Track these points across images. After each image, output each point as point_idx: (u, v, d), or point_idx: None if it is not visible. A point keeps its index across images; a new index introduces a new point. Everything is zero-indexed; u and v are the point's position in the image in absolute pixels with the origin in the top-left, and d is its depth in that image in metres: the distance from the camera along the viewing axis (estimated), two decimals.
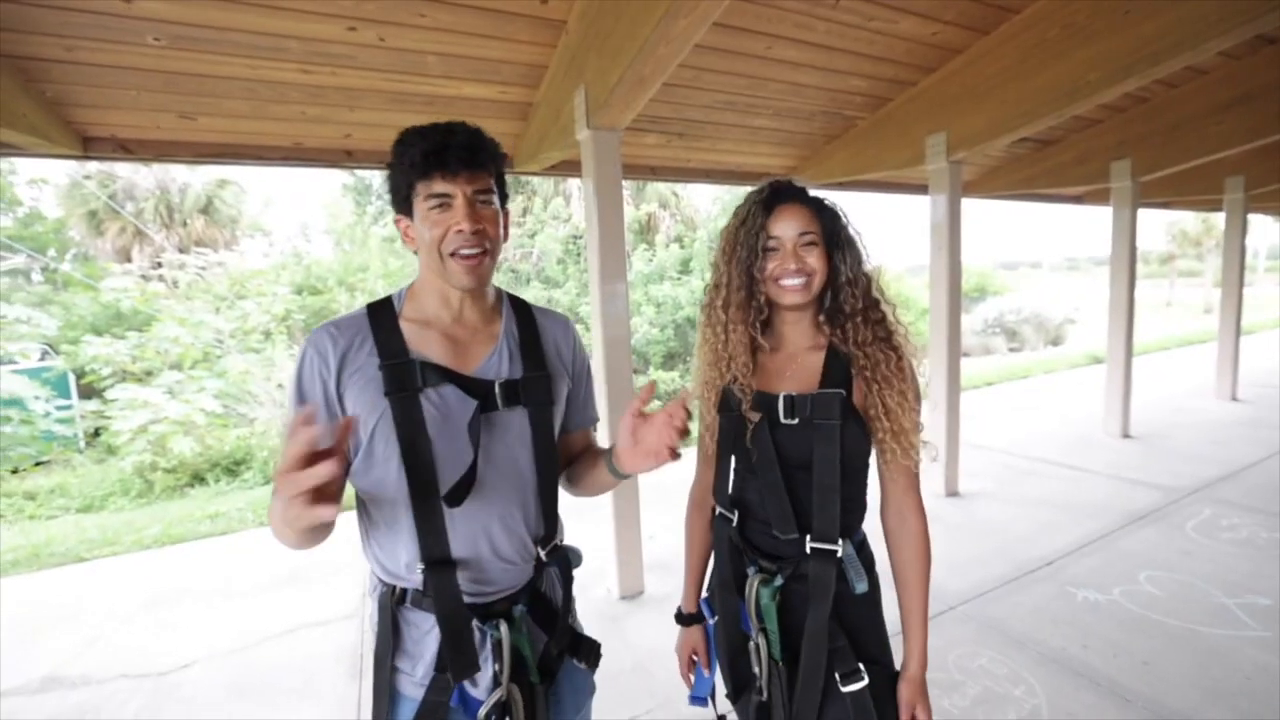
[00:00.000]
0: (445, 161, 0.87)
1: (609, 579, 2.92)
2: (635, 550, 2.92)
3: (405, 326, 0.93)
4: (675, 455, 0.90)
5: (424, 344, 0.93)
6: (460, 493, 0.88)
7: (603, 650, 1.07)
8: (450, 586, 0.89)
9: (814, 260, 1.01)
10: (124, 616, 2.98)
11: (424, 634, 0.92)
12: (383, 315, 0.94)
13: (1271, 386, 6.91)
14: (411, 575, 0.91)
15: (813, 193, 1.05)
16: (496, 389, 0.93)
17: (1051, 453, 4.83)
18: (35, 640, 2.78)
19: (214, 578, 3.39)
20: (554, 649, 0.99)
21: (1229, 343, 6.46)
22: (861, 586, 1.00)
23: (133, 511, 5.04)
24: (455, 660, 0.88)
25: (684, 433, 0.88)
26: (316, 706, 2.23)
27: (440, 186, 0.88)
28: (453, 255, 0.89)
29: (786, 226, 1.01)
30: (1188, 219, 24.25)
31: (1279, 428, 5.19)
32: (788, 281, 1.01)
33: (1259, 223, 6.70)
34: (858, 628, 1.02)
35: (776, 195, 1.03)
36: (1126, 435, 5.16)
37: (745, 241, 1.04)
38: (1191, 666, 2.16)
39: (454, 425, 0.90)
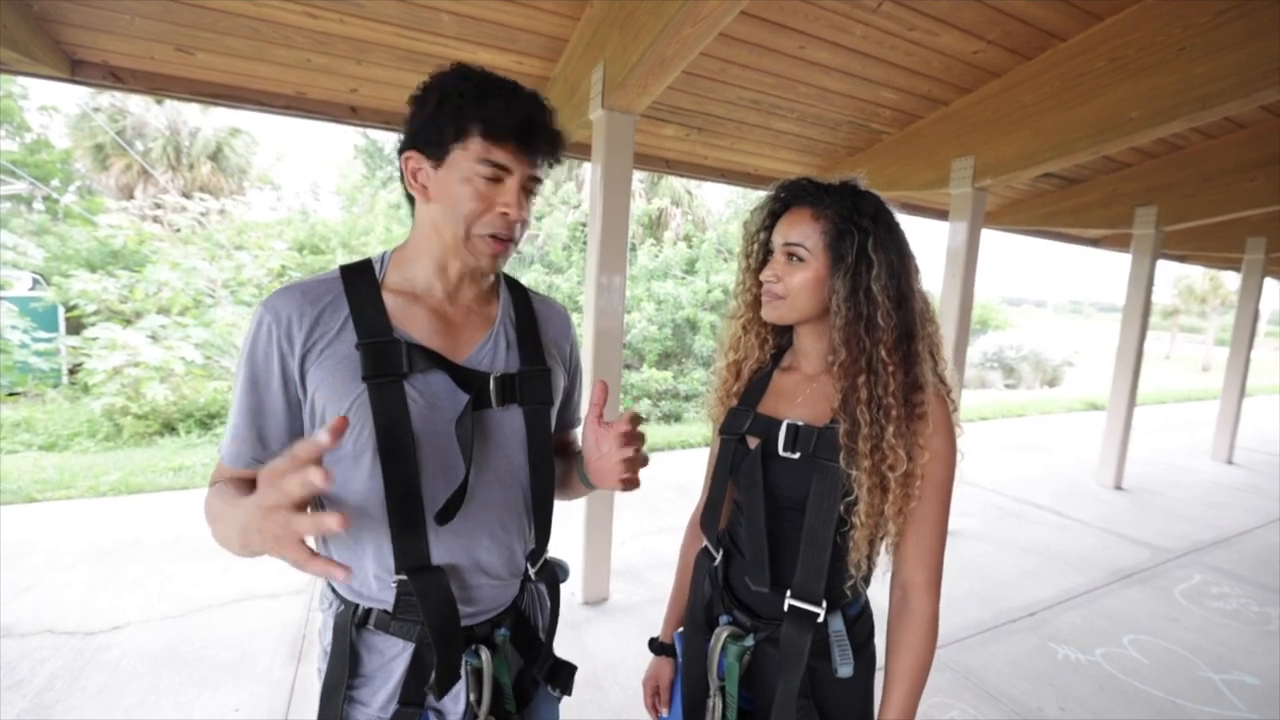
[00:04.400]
0: (529, 137, 0.76)
1: (573, 582, 2.80)
2: (604, 554, 2.79)
3: (388, 298, 0.80)
4: (632, 484, 0.79)
5: (409, 321, 0.80)
6: (450, 510, 0.76)
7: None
8: (440, 589, 0.77)
9: (795, 279, 0.86)
10: (64, 567, 2.84)
11: (388, 660, 0.80)
12: (361, 283, 0.80)
13: (1269, 453, 6.83)
14: (382, 592, 0.78)
15: (857, 197, 0.86)
16: (492, 384, 0.81)
17: (1041, 497, 4.72)
18: None
19: (166, 534, 3.25)
20: (535, 676, 0.89)
21: (1231, 403, 6.37)
22: (846, 670, 0.85)
23: (96, 455, 4.89)
24: (443, 674, 0.77)
25: (637, 460, 0.79)
26: (248, 686, 2.09)
27: (505, 157, 0.75)
28: (484, 235, 0.78)
29: (780, 232, 0.88)
30: (1196, 275, 24.22)
31: (1276, 497, 5.10)
32: (766, 295, 0.89)
33: (1271, 286, 6.62)
34: (836, 713, 0.87)
35: (790, 194, 0.90)
36: (1119, 487, 5.06)
37: (747, 240, 0.93)
38: None
39: (441, 419, 0.77)
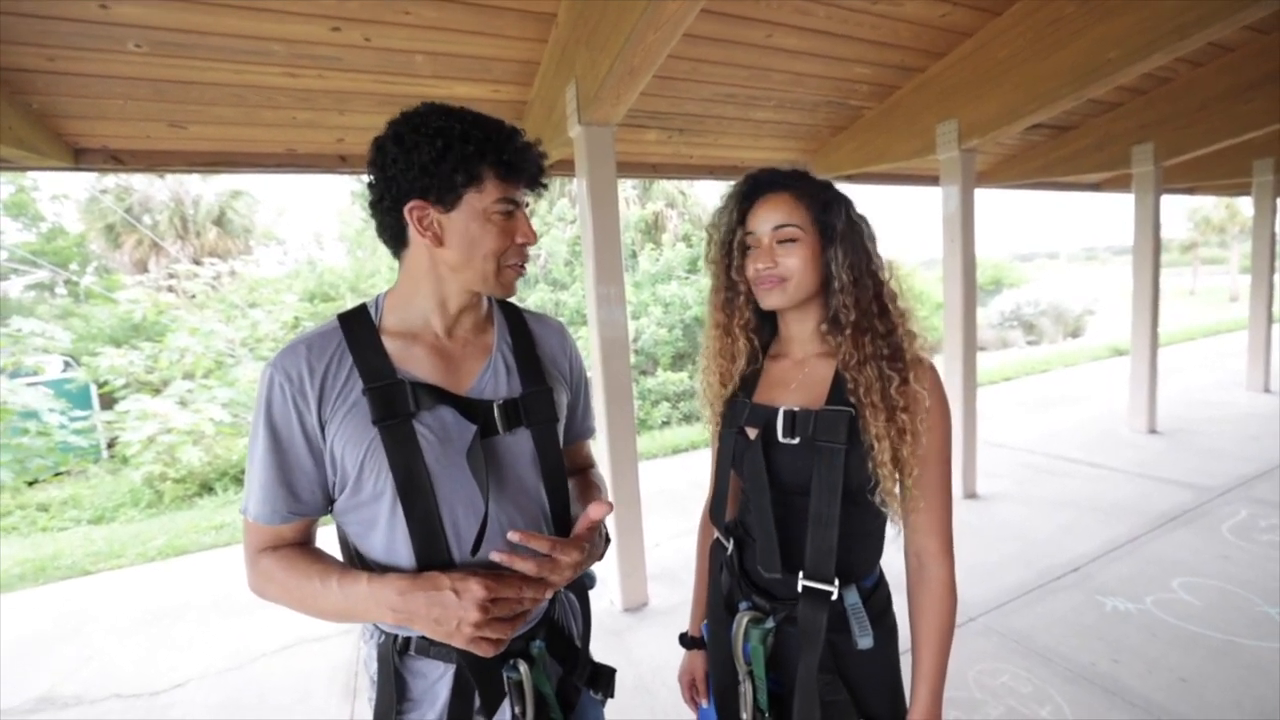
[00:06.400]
0: (539, 174, 0.84)
1: (611, 590, 2.83)
2: (639, 560, 2.82)
3: (387, 342, 0.82)
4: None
5: (410, 361, 0.82)
6: (477, 544, 0.80)
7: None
8: None
9: (793, 259, 0.88)
10: (123, 632, 2.94)
11: (432, 683, 0.83)
12: (360, 329, 0.82)
13: None
14: None
15: (816, 176, 0.92)
16: (496, 411, 0.84)
17: (1074, 450, 4.64)
18: (35, 657, 2.75)
19: (214, 591, 3.35)
20: (575, 683, 0.92)
21: (1260, 331, 6.20)
22: (866, 642, 0.86)
23: (142, 522, 5.05)
24: (487, 695, 0.81)
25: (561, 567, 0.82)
26: None
27: (518, 194, 0.82)
28: (508, 265, 0.84)
29: (763, 220, 0.90)
30: (1210, 204, 23.60)
31: None
32: (762, 283, 0.90)
33: None
34: (863, 684, 0.89)
35: (756, 186, 0.92)
36: (1153, 431, 4.95)
37: (721, 240, 0.95)
38: (1234, 683, 2.01)
39: (453, 452, 0.81)
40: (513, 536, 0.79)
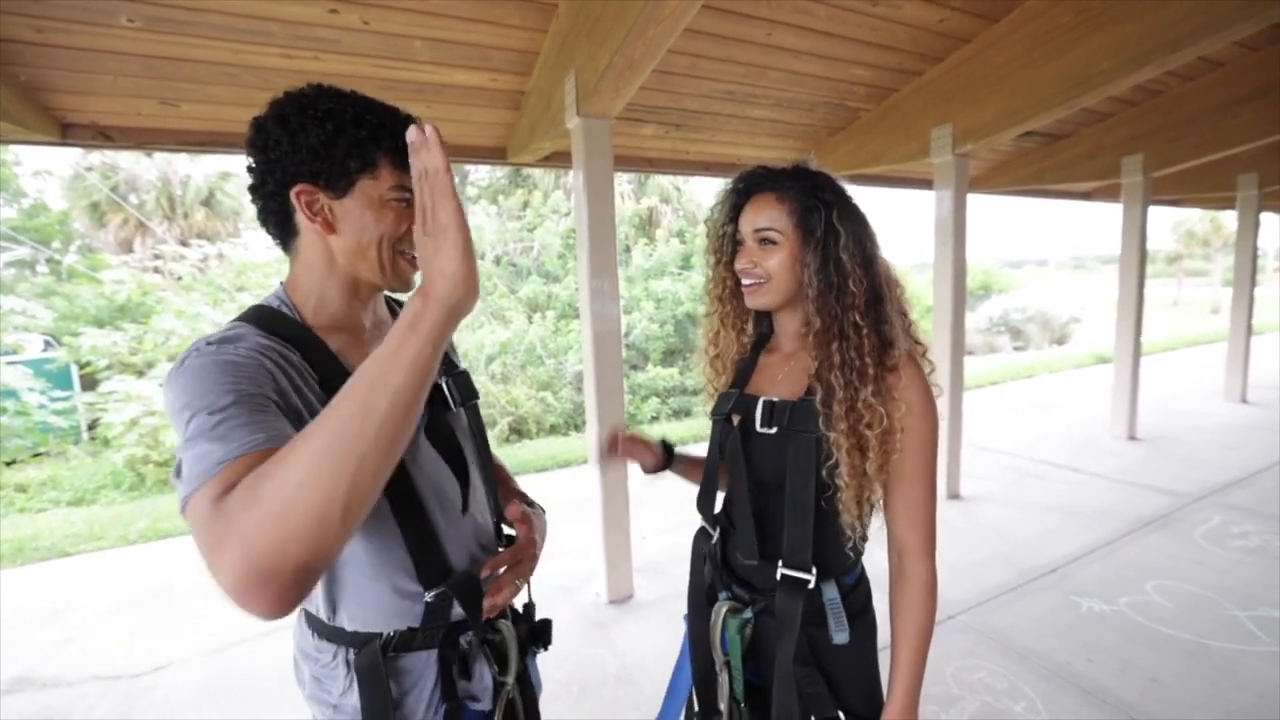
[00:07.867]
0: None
1: (597, 582, 2.84)
2: (625, 553, 2.83)
3: (323, 338, 0.79)
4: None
5: (349, 353, 0.80)
6: (466, 501, 0.87)
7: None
8: (473, 587, 0.83)
9: (772, 261, 0.89)
10: (103, 615, 2.91)
11: (418, 676, 0.82)
12: (288, 328, 0.76)
13: None
14: (405, 610, 0.81)
15: (815, 171, 0.91)
16: (445, 387, 0.89)
17: (1056, 455, 4.72)
18: (11, 638, 2.72)
19: (196, 575, 3.32)
20: (522, 635, 0.95)
21: (1239, 343, 6.33)
22: (841, 637, 0.87)
23: (123, 505, 4.99)
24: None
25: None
26: (290, 711, 2.15)
27: (411, 182, 0.77)
28: (403, 255, 0.79)
29: (747, 220, 0.92)
30: (1194, 218, 24.00)
31: None
32: (745, 282, 0.93)
33: (1268, 221, 6.58)
34: (840, 679, 0.90)
35: (748, 184, 0.93)
36: (1133, 437, 5.05)
37: (715, 234, 0.97)
38: (1202, 684, 2.06)
39: (417, 435, 0.83)
40: (483, 573, 0.86)
